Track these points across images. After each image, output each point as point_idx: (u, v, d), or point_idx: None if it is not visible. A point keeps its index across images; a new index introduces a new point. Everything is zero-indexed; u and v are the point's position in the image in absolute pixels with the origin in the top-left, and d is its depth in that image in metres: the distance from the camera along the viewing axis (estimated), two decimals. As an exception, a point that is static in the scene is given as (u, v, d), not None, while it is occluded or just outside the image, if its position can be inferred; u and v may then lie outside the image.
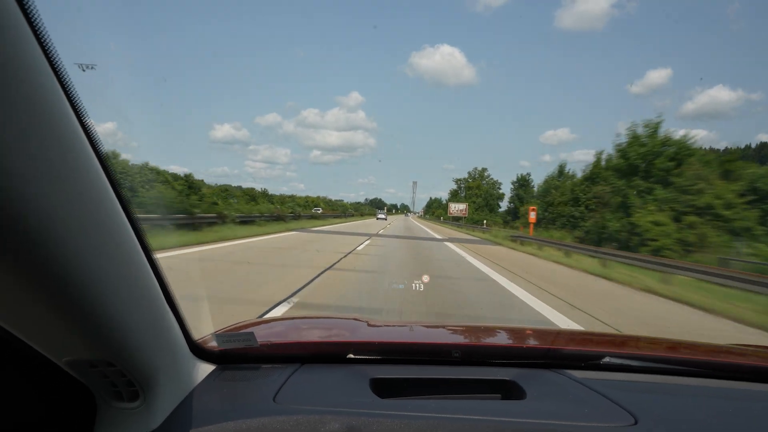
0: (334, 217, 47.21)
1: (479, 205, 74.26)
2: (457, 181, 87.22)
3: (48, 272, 0.54)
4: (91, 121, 0.58)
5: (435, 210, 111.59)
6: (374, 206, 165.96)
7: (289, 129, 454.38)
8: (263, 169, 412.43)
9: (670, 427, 0.89)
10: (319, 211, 46.61)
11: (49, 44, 0.51)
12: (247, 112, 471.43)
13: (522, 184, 63.92)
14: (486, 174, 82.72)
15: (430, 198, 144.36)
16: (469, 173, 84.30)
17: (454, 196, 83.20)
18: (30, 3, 0.49)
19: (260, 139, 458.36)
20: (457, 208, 70.18)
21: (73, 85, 0.55)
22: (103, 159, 0.60)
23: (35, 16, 0.50)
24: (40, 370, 0.78)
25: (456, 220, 65.53)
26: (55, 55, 0.53)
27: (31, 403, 0.80)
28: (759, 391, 1.14)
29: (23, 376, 0.78)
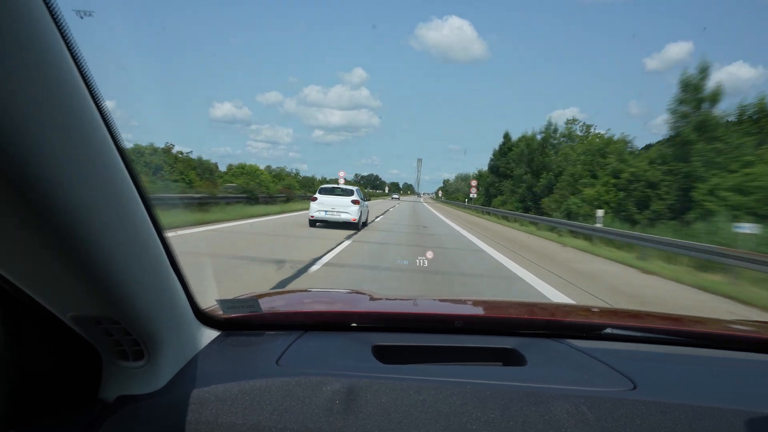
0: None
1: None
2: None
3: (55, 223, 0.55)
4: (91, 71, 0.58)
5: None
6: (370, 184, 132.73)
7: (291, 108, 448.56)
8: (266, 149, 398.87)
9: (669, 392, 0.90)
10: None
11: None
12: (247, 90, 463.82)
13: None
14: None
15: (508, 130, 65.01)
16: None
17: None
18: None
19: (262, 118, 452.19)
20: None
21: (73, 37, 0.55)
22: (107, 118, 0.61)
23: None
24: (47, 330, 0.79)
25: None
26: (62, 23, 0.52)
27: (38, 362, 0.81)
28: (759, 360, 1.16)
29: (30, 335, 0.79)
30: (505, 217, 30.46)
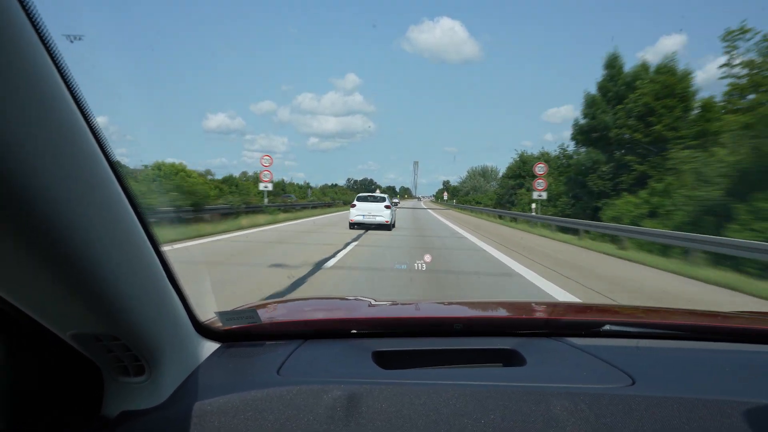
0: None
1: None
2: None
3: (52, 245, 0.55)
4: (84, 95, 0.58)
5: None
6: (364, 189, 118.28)
7: (285, 116, 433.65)
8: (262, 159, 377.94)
9: (667, 386, 0.91)
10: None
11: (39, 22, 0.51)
12: (240, 100, 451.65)
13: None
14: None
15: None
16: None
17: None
18: None
19: (256, 127, 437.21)
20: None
21: (62, 57, 0.55)
22: (98, 135, 0.61)
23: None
24: (47, 348, 0.80)
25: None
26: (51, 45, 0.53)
27: (39, 380, 0.82)
28: (756, 351, 1.16)
29: (31, 351, 0.80)
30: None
